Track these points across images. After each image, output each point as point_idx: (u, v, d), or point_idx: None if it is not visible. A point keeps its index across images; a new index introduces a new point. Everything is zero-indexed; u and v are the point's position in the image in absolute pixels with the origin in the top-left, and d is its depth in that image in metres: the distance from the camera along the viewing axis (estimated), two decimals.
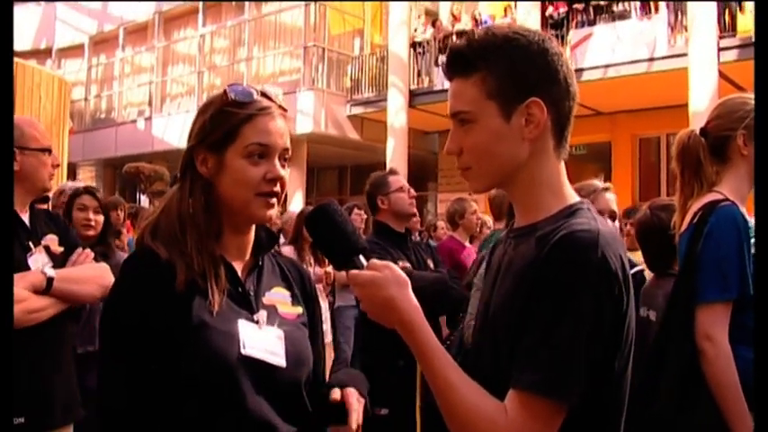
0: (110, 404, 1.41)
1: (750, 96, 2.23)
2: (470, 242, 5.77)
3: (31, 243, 2.38)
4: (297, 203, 14.55)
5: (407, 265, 3.74)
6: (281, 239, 6.25)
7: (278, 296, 1.57)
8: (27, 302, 2.17)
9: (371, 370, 3.76)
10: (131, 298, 1.42)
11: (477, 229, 5.81)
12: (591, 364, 1.18)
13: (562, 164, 1.36)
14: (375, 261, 1.32)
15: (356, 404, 1.48)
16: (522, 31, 1.32)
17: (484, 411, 1.20)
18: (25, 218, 2.43)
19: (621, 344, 1.24)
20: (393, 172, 4.08)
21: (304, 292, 1.65)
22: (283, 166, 1.49)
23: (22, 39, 20.05)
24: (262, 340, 1.45)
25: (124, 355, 1.40)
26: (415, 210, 4.03)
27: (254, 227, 1.56)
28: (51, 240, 2.46)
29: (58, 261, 2.43)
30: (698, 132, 2.27)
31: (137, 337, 1.38)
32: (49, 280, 2.27)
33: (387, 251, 3.67)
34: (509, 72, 1.29)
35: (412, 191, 3.96)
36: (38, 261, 2.35)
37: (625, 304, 1.22)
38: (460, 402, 1.22)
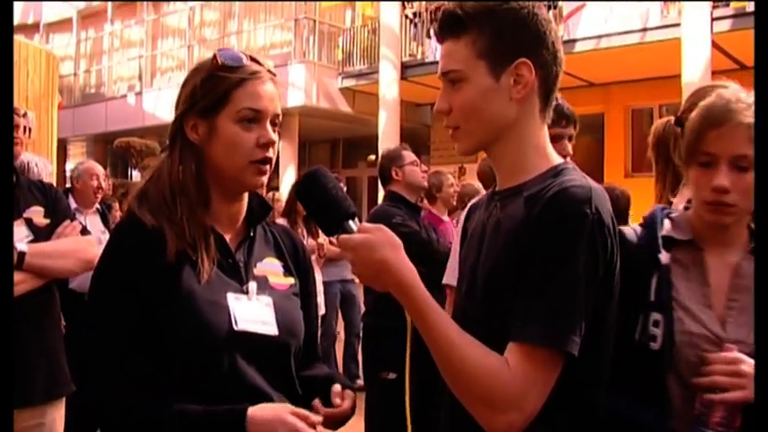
0: (102, 373, 1.40)
1: (724, 84, 2.21)
2: (450, 214, 5.81)
3: None
4: (289, 177, 14.51)
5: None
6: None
7: (270, 267, 1.57)
8: None
9: (379, 334, 3.86)
10: (119, 266, 1.42)
11: (454, 202, 5.81)
12: (587, 314, 1.22)
13: (545, 127, 1.40)
14: (366, 224, 1.32)
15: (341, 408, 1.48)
16: None
17: (486, 366, 1.22)
18: None
19: (613, 295, 1.30)
20: (405, 147, 4.27)
21: (297, 263, 1.64)
22: (274, 132, 1.48)
23: None
24: (252, 311, 1.45)
25: (114, 323, 1.39)
26: (426, 183, 4.18)
27: (246, 196, 1.55)
28: (35, 212, 2.39)
29: (44, 233, 2.37)
30: (672, 122, 2.25)
31: (126, 306, 1.38)
32: (21, 255, 2.22)
33: (409, 217, 3.82)
34: (500, 33, 1.33)
35: (423, 166, 4.12)
36: (14, 235, 2.25)
37: (616, 257, 1.28)
38: (462, 359, 1.23)
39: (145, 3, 19.47)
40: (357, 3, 16.41)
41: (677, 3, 11.28)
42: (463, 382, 1.24)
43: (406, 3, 14.72)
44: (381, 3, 14.76)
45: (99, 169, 5.08)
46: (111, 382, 1.38)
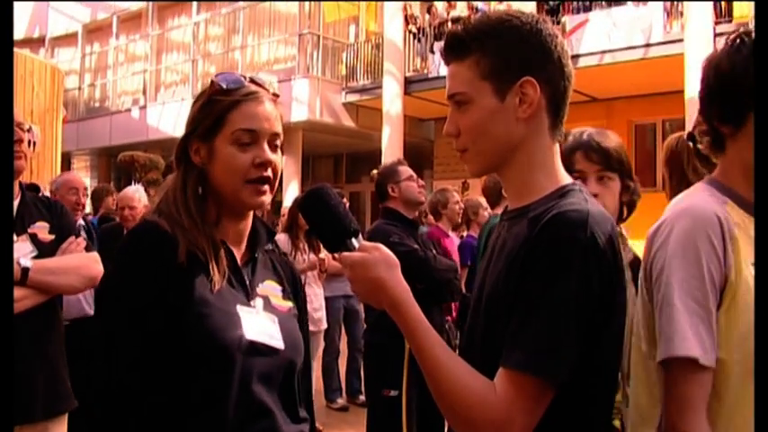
0: (119, 383, 1.38)
1: None
2: (455, 230, 6.15)
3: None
4: (292, 192, 14.52)
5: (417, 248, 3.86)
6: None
7: (270, 288, 1.58)
8: None
9: (380, 351, 3.84)
10: (134, 269, 1.42)
11: (459, 219, 6.07)
12: (580, 342, 1.19)
13: (557, 145, 1.38)
14: (365, 243, 1.33)
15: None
16: (517, 13, 1.35)
17: (473, 389, 1.21)
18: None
19: (611, 323, 1.25)
20: (401, 162, 4.22)
21: (295, 291, 1.66)
22: (275, 151, 1.49)
23: (15, 27, 19.88)
24: (260, 324, 1.46)
25: (129, 330, 1.38)
26: (423, 198, 4.16)
27: (251, 215, 1.57)
28: (40, 228, 2.40)
29: (48, 249, 2.38)
30: (685, 137, 2.24)
31: (140, 312, 1.37)
32: (24, 270, 2.21)
33: (407, 235, 3.80)
34: (502, 52, 1.32)
35: (420, 181, 4.09)
36: (18, 251, 2.27)
37: (615, 283, 1.24)
38: (450, 380, 1.23)
39: (150, 17, 19.57)
40: (361, 16, 16.48)
41: (680, 18, 11.32)
42: (448, 403, 1.24)
43: (409, 18, 14.78)
44: (385, 19, 14.83)
45: (79, 182, 4.73)
46: (118, 397, 1.37)
